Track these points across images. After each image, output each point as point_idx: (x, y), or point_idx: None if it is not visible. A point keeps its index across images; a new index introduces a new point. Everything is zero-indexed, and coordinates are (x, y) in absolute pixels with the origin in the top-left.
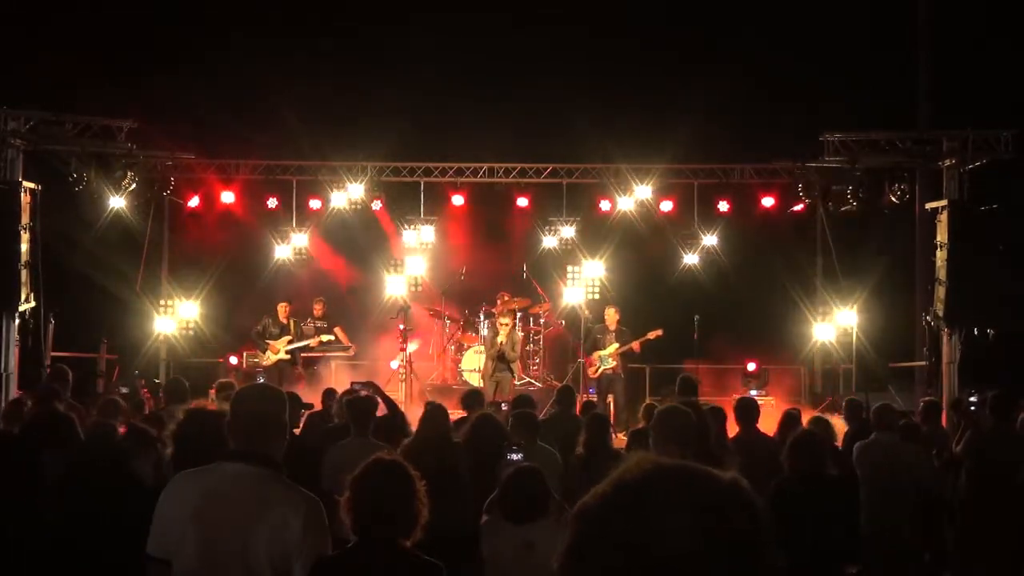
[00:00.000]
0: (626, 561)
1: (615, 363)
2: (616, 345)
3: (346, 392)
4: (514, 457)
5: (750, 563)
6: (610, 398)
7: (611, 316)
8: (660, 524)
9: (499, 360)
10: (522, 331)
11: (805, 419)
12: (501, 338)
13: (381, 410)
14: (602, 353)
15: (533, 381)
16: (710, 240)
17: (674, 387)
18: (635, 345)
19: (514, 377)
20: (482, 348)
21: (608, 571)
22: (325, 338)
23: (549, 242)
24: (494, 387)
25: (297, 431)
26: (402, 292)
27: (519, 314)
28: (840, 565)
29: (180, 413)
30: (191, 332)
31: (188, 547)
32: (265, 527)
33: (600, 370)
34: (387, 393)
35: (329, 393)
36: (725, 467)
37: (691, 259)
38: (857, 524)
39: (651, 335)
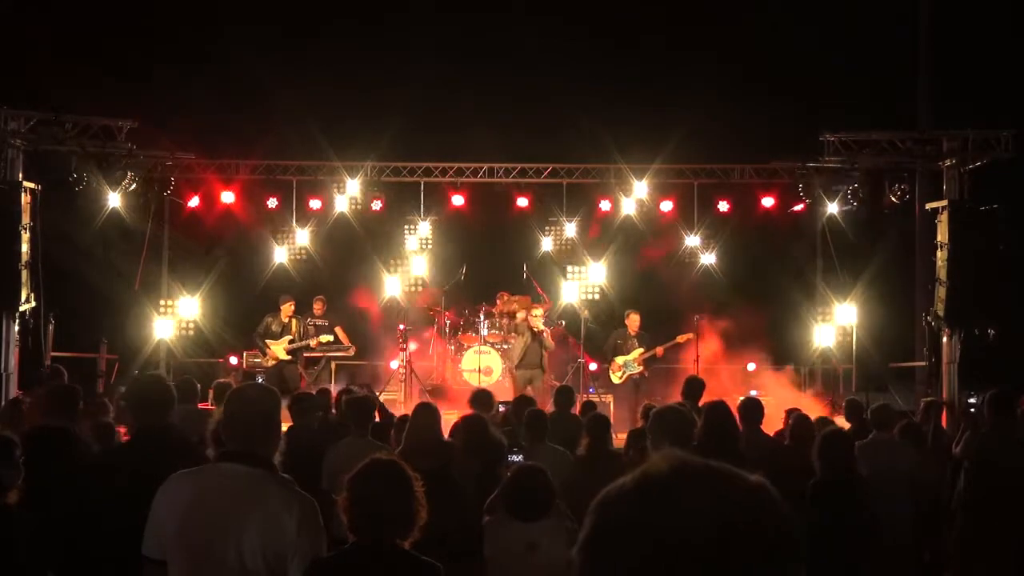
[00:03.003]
0: (644, 552)
1: (640, 368)
2: (641, 350)
3: (344, 391)
4: (515, 459)
5: (774, 564)
6: (610, 397)
7: (633, 321)
8: (681, 516)
9: (532, 352)
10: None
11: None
12: (539, 325)
13: None
14: (627, 358)
15: None
16: (710, 240)
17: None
18: (659, 350)
19: (545, 373)
20: (481, 348)
21: (625, 561)
22: (324, 339)
23: (549, 242)
24: (526, 382)
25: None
26: (402, 292)
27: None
28: (864, 564)
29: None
30: (191, 332)
31: (183, 548)
32: (260, 527)
33: (625, 375)
34: (386, 394)
35: (323, 392)
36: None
37: (691, 259)
38: (874, 523)
39: (680, 339)
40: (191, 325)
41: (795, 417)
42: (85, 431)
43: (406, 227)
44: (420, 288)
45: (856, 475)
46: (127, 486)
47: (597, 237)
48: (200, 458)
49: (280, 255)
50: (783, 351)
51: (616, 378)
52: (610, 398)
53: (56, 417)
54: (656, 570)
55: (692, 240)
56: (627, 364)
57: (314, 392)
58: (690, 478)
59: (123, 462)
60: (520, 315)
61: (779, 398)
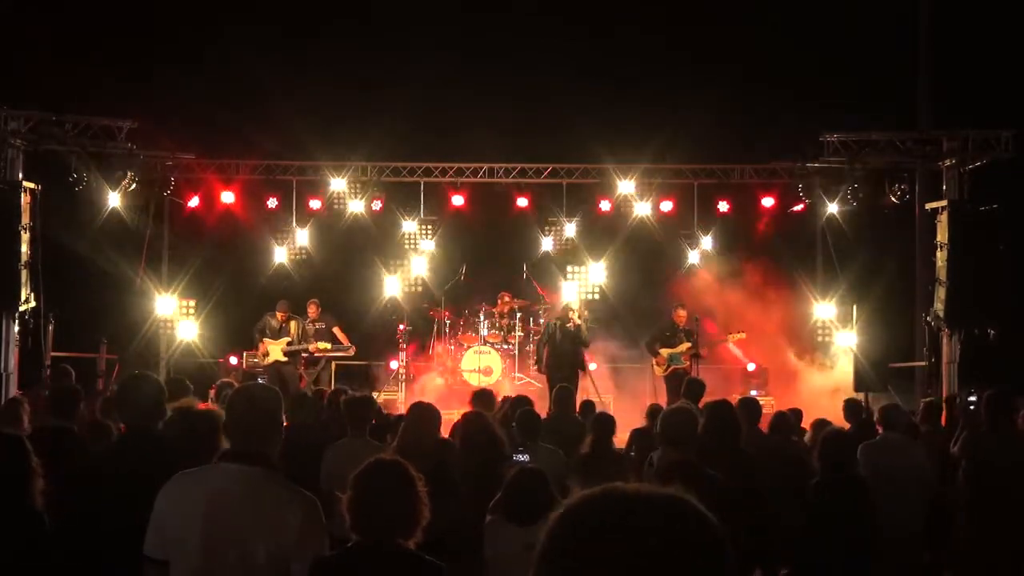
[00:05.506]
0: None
1: (687, 363)
2: (688, 344)
3: (337, 391)
4: (520, 458)
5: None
6: (609, 397)
7: (681, 316)
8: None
9: (564, 350)
10: (522, 331)
11: (805, 421)
12: (576, 317)
13: None
14: (673, 352)
15: (533, 381)
16: (710, 240)
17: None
18: (704, 350)
19: (584, 372)
20: (481, 348)
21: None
22: (323, 345)
23: (549, 242)
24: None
25: None
26: (402, 292)
27: (518, 314)
28: (869, 562)
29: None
30: (190, 333)
31: (187, 548)
32: (263, 527)
33: (671, 368)
34: (385, 394)
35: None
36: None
37: (691, 259)
38: (878, 522)
39: (730, 338)
40: (191, 325)
41: (774, 414)
42: (84, 431)
43: (406, 227)
44: (420, 288)
45: (856, 475)
46: (116, 486)
47: (597, 237)
48: (187, 458)
49: (280, 255)
50: (783, 351)
51: (660, 371)
52: (610, 398)
53: (58, 418)
54: None
55: (692, 240)
56: (673, 357)
57: (310, 394)
58: (618, 500)
59: (112, 462)
60: (565, 316)
61: (779, 398)
